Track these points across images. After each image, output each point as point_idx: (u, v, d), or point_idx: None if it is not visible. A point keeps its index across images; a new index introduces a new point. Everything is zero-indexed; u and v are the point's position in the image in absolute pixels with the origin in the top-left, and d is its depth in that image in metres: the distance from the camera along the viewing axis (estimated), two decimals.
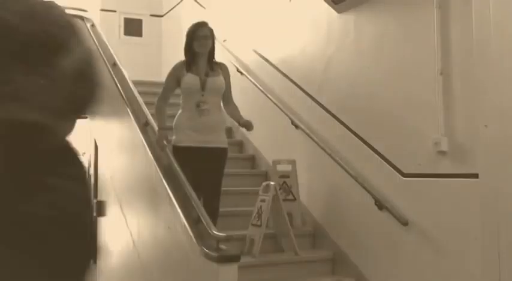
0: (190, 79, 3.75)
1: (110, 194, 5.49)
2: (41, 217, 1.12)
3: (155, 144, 3.82)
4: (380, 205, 3.75)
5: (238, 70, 5.59)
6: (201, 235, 3.06)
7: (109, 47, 5.80)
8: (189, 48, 3.81)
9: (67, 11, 1.29)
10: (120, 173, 5.15)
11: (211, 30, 3.84)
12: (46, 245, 1.13)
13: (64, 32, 1.23)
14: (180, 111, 3.79)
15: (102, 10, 8.29)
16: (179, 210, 3.28)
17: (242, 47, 5.73)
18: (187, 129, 3.70)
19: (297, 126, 4.35)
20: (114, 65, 5.35)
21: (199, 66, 3.79)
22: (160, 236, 3.84)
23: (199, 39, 3.77)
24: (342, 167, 4.09)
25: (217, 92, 3.80)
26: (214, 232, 2.96)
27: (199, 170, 3.63)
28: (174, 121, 3.78)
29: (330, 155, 4.19)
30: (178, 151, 3.68)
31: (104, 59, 5.60)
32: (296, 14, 4.97)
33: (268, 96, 5.06)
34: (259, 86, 5.18)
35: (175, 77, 3.80)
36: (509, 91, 2.88)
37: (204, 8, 6.86)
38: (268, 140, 5.19)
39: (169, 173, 3.65)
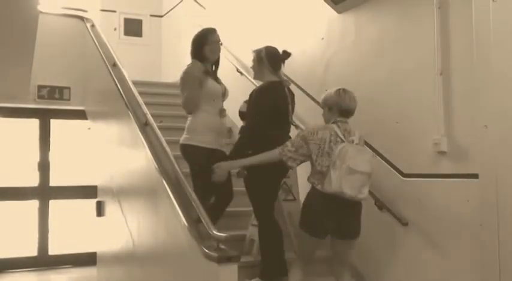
0: (213, 84, 3.79)
1: (110, 194, 5.49)
2: None
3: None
4: (380, 205, 3.75)
5: (238, 70, 5.59)
6: (201, 235, 3.06)
7: (109, 47, 5.79)
8: (199, 53, 3.77)
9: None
10: (120, 173, 5.15)
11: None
12: None
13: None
14: (200, 113, 3.72)
15: (102, 10, 8.29)
16: (179, 210, 3.28)
17: (242, 47, 5.73)
18: (213, 132, 3.73)
19: (297, 127, 4.34)
20: (114, 65, 5.35)
21: (208, 71, 3.82)
22: (160, 236, 3.84)
23: (212, 44, 3.80)
24: None
25: (225, 99, 3.93)
26: (214, 232, 2.96)
27: None
28: (194, 122, 3.73)
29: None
30: (202, 151, 3.67)
31: (104, 59, 5.60)
32: (296, 14, 4.97)
33: None
34: None
35: (198, 79, 3.70)
36: (509, 91, 2.88)
37: (204, 8, 6.86)
38: None
39: (169, 173, 3.65)
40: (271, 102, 3.56)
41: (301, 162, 3.26)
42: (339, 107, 3.24)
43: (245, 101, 3.96)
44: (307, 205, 3.20)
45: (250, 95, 3.69)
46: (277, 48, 3.81)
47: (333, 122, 3.25)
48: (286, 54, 3.75)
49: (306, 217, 3.18)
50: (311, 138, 3.17)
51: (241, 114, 4.02)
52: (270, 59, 3.69)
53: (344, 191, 3.00)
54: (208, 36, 3.80)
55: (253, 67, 3.80)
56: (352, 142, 3.15)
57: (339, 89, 3.30)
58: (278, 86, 3.67)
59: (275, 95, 3.62)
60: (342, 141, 3.13)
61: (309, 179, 3.24)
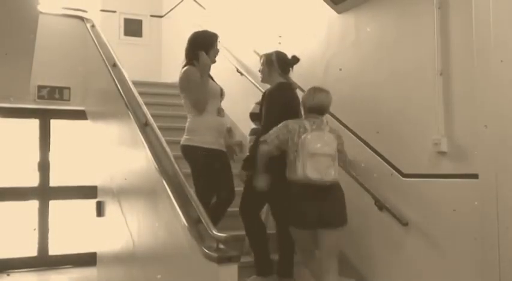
0: (212, 84, 3.83)
1: (110, 194, 5.49)
2: None
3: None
4: (380, 205, 3.75)
5: (238, 70, 5.59)
6: (201, 235, 3.06)
7: (109, 47, 5.79)
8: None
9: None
10: (120, 174, 5.15)
11: None
12: None
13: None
14: (200, 114, 3.72)
15: (102, 11, 8.29)
16: (179, 210, 3.28)
17: (242, 48, 5.73)
18: (214, 131, 3.73)
19: None
20: (114, 65, 5.35)
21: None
22: (160, 236, 3.84)
23: (216, 49, 3.85)
24: (342, 167, 4.09)
25: (222, 99, 3.95)
26: (214, 233, 2.96)
27: (220, 172, 3.74)
28: (194, 123, 3.73)
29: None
30: (203, 151, 3.67)
31: (104, 60, 5.60)
32: (296, 14, 4.97)
33: None
34: (259, 86, 5.19)
35: (196, 79, 3.71)
36: (509, 92, 2.88)
37: (204, 8, 6.86)
38: None
39: (169, 173, 3.65)
40: (283, 102, 3.62)
41: (278, 148, 3.40)
42: (304, 105, 3.51)
43: (256, 103, 3.97)
44: (288, 199, 3.34)
45: (263, 97, 3.72)
46: (277, 48, 3.84)
47: (305, 118, 3.48)
48: (296, 60, 3.83)
49: (289, 212, 3.32)
50: (287, 127, 3.39)
51: (253, 116, 4.04)
52: (279, 62, 3.75)
53: (308, 175, 3.18)
54: (216, 42, 3.86)
55: (262, 70, 3.84)
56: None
57: (310, 88, 3.53)
58: (288, 87, 3.72)
59: (286, 95, 3.67)
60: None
61: (286, 174, 3.39)
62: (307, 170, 3.18)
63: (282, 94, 3.67)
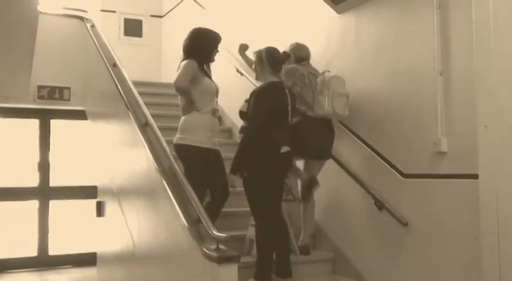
0: (210, 82, 3.82)
1: (110, 194, 5.49)
2: None
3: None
4: (380, 205, 3.75)
5: (238, 70, 5.58)
6: (201, 235, 3.06)
7: (109, 47, 5.79)
8: (206, 53, 3.80)
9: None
10: (120, 174, 5.15)
11: None
12: None
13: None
14: (193, 112, 3.73)
15: (102, 11, 8.29)
16: (179, 210, 3.28)
17: None
18: (207, 131, 3.73)
19: None
20: (114, 65, 5.34)
21: (206, 71, 3.85)
22: (160, 236, 3.84)
23: (216, 49, 3.86)
24: (342, 167, 4.10)
25: (217, 97, 3.94)
26: (214, 233, 2.96)
27: (214, 171, 3.75)
28: (187, 122, 3.74)
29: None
30: (197, 151, 3.68)
31: (104, 60, 5.60)
32: (296, 14, 4.97)
33: None
34: None
35: (193, 72, 3.73)
36: (509, 91, 2.87)
37: (204, 8, 6.86)
38: None
39: (169, 173, 3.65)
40: (271, 102, 3.57)
41: None
42: (295, 56, 4.14)
43: (245, 101, 3.96)
44: (298, 131, 3.84)
45: (251, 95, 3.70)
46: (277, 48, 3.82)
47: (300, 66, 4.07)
48: (286, 56, 3.78)
49: (297, 142, 3.78)
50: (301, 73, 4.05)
51: (242, 114, 4.03)
52: (269, 60, 3.71)
53: (337, 111, 3.89)
54: (219, 42, 3.87)
55: (254, 68, 3.82)
56: (323, 73, 4.07)
57: (294, 43, 4.24)
58: (278, 87, 3.68)
59: (275, 95, 3.63)
60: (315, 75, 4.04)
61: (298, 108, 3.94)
62: (336, 107, 3.88)
63: (270, 93, 3.62)
